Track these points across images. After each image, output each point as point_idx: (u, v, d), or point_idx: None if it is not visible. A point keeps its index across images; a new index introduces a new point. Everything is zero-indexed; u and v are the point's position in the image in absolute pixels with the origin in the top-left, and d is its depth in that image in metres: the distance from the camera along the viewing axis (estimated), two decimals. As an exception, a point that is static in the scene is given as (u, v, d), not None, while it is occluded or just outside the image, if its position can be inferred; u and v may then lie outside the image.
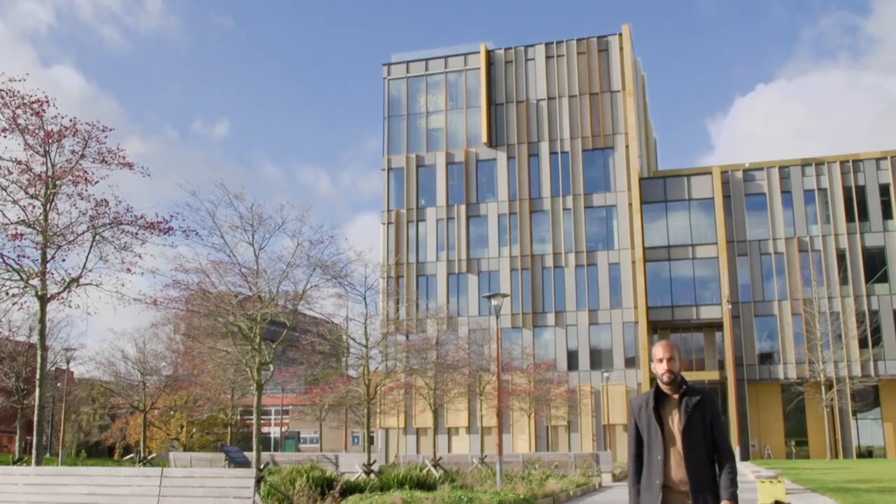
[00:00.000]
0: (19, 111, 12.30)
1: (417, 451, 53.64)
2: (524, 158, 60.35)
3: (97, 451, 64.03)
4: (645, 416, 5.37)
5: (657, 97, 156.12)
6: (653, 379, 5.67)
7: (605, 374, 53.50)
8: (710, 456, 5.27)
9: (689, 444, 5.19)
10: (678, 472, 5.18)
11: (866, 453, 52.99)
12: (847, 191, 55.52)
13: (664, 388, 5.42)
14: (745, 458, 50.96)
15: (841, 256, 54.79)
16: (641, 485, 5.34)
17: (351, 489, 17.81)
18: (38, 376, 12.71)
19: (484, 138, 60.98)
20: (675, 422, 5.27)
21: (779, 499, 16.19)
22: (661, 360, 5.41)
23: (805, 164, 56.75)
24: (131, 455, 48.25)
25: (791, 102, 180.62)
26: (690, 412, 5.27)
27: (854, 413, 53.10)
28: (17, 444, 33.39)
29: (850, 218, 55.14)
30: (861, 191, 55.49)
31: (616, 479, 30.33)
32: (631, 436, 5.52)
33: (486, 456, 32.94)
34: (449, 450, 55.56)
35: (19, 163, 12.35)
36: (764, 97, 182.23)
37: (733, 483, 5.27)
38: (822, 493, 18.25)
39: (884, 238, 54.65)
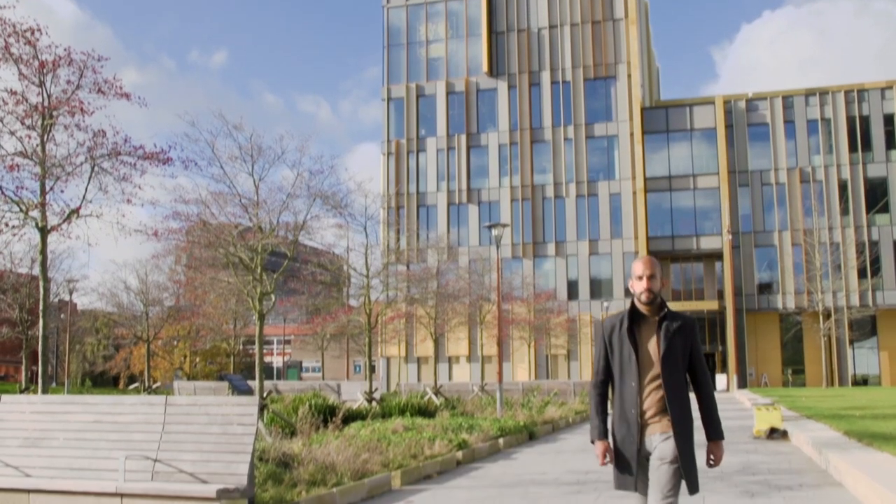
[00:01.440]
0: (11, 40, 12.10)
1: (418, 380, 54.32)
2: (525, 88, 59.73)
3: (102, 381, 64.89)
4: (618, 339, 4.79)
5: (661, 25, 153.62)
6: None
7: (605, 304, 53.84)
8: (686, 385, 4.78)
9: (669, 371, 4.67)
10: (651, 400, 4.69)
11: (862, 381, 53.66)
12: (851, 121, 55.06)
13: (642, 308, 4.80)
14: (742, 386, 51.63)
15: (843, 187, 54.62)
16: (614, 415, 4.82)
17: (353, 416, 18.09)
18: (40, 307, 12.79)
19: (485, 67, 60.25)
20: (653, 346, 4.71)
21: (774, 425, 16.46)
22: (640, 278, 4.77)
23: (809, 93, 56.17)
24: (136, 384, 48.89)
25: (798, 30, 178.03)
26: (671, 337, 4.70)
27: (851, 342, 53.59)
28: (23, 373, 33.81)
29: (853, 148, 54.79)
30: (865, 121, 55.03)
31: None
32: (598, 359, 4.90)
33: (486, 384, 33.37)
34: (450, 378, 56.26)
35: (14, 93, 12.20)
36: (771, 24, 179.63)
37: (717, 419, 4.83)
38: (818, 419, 18.52)
39: (886, 168, 54.39)
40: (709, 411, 4.80)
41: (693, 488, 4.61)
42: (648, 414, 4.68)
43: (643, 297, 4.76)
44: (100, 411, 7.92)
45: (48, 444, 7.89)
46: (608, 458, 4.78)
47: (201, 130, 17.23)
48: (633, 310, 4.82)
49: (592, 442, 4.86)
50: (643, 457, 4.67)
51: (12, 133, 12.31)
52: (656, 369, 4.68)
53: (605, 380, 4.86)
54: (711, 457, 4.80)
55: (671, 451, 4.59)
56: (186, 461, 7.30)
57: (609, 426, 4.84)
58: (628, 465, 4.70)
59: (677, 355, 4.70)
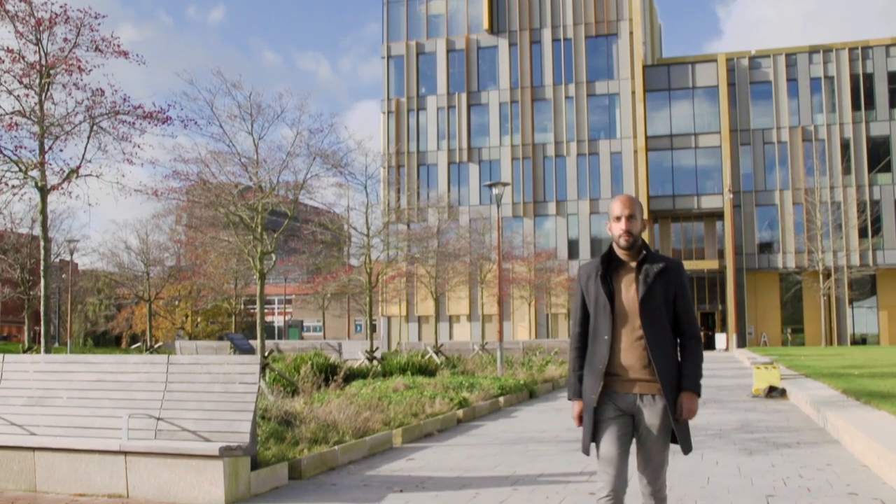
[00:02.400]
0: (5, -4, 11.97)
1: (419, 339, 54.60)
2: (526, 45, 59.20)
3: (104, 341, 65.15)
4: (593, 287, 4.29)
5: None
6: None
7: (605, 264, 53.83)
8: (673, 337, 4.26)
9: (650, 319, 4.16)
10: (629, 356, 4.20)
11: (860, 341, 53.93)
12: (854, 79, 54.66)
13: (620, 253, 4.31)
14: (741, 345, 51.90)
15: (845, 146, 54.41)
16: (585, 371, 4.36)
17: (354, 375, 18.23)
18: (41, 267, 12.81)
19: (485, 25, 59.66)
20: (631, 295, 4.21)
21: (773, 384, 16.57)
22: (618, 219, 4.26)
23: (812, 51, 55.68)
24: (138, 344, 49.12)
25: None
26: (652, 282, 4.18)
27: (850, 301, 53.76)
28: (25, 333, 33.96)
29: (856, 107, 54.45)
30: (869, 79, 54.62)
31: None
32: (576, 310, 4.44)
33: (486, 343, 33.52)
34: (450, 337, 56.54)
35: (11, 51, 12.09)
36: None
37: (698, 371, 4.26)
38: (816, 378, 18.64)
39: (889, 127, 54.09)
40: (691, 363, 4.26)
41: (686, 447, 4.24)
42: (627, 369, 4.21)
43: (622, 241, 4.27)
44: (102, 370, 7.97)
45: (52, 402, 7.95)
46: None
47: (200, 89, 17.20)
48: (610, 255, 4.34)
49: (570, 400, 4.50)
50: (618, 416, 4.25)
51: (10, 92, 12.24)
52: (636, 319, 4.19)
53: (583, 332, 4.40)
54: (681, 409, 4.19)
55: (659, 418, 4.20)
56: (189, 419, 7.36)
57: None
58: (588, 428, 4.32)
59: (659, 301, 4.20)
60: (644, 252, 4.29)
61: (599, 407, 4.26)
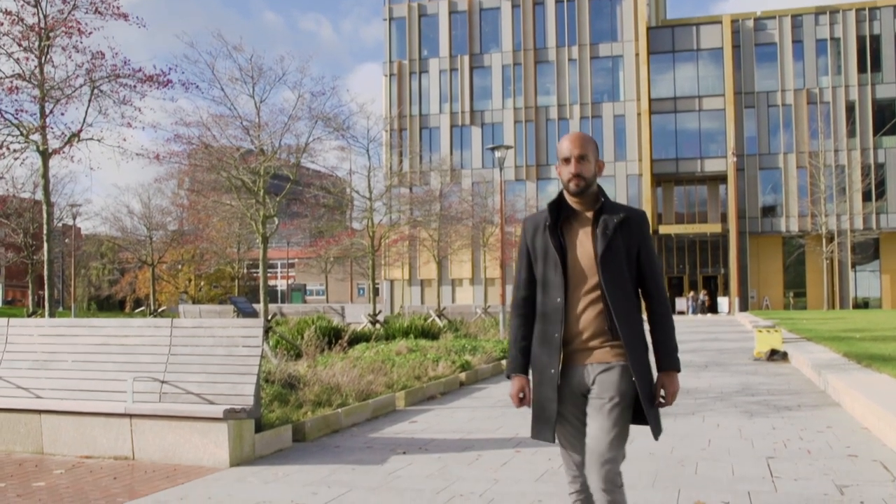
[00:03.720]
0: (2, -43, 11.87)
1: (422, 302, 54.73)
2: (529, 7, 58.62)
3: (108, 305, 65.38)
4: (542, 242, 3.59)
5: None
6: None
7: (608, 227, 53.75)
8: (636, 299, 3.57)
9: (610, 277, 3.46)
10: (585, 321, 3.48)
11: (863, 304, 54.01)
12: (861, 40, 54.14)
13: (571, 201, 3.63)
14: (743, 308, 52.01)
15: (850, 108, 54.05)
16: (534, 341, 3.60)
17: (358, 339, 18.29)
18: (44, 232, 12.82)
19: (488, -14, 59.10)
20: (587, 249, 3.51)
21: (775, 347, 16.63)
22: (566, 160, 3.56)
23: (819, 12, 55.10)
24: (142, 308, 49.30)
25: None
26: (611, 235, 3.50)
27: (853, 265, 53.76)
28: (30, 298, 34.13)
29: (862, 69, 54.00)
30: (876, 40, 54.11)
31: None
32: (520, 271, 3.71)
33: (489, 306, 33.61)
34: (453, 300, 56.69)
35: (10, 13, 12.00)
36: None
37: (674, 344, 3.60)
38: (817, 341, 18.69)
39: None
40: (663, 334, 3.59)
41: (657, 429, 3.54)
42: (582, 338, 3.50)
43: (572, 186, 3.57)
44: (107, 334, 8.01)
45: (57, 366, 8.00)
46: (524, 397, 3.63)
47: (200, 52, 17.14)
48: (560, 203, 3.64)
49: (508, 377, 3.69)
50: (569, 396, 3.55)
51: (9, 55, 12.17)
52: (592, 278, 3.49)
53: (529, 296, 3.66)
54: (663, 392, 3.56)
55: (613, 385, 3.44)
56: (193, 383, 7.40)
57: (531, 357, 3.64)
58: (546, 409, 3.54)
59: (620, 257, 3.50)
60: (602, 200, 3.63)
61: (548, 387, 3.55)
